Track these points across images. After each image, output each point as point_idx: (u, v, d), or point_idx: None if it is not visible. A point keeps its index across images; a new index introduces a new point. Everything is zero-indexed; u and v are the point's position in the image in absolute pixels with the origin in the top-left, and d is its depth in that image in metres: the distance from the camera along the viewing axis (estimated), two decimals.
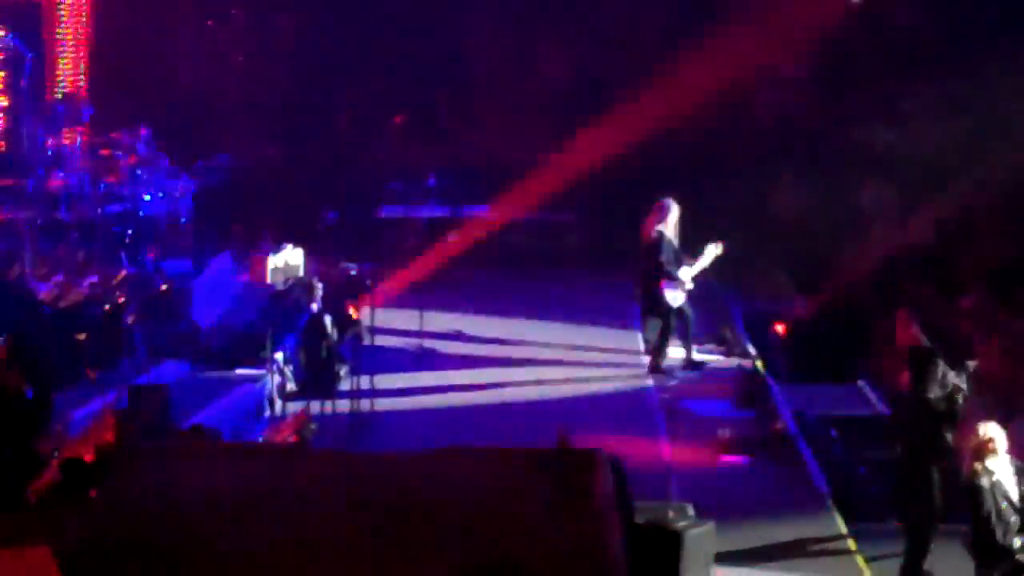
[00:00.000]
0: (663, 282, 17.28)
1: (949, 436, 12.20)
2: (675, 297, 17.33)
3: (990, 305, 17.87)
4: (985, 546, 11.43)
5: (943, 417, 12.22)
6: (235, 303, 18.68)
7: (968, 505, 11.55)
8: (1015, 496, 11.46)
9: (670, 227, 17.40)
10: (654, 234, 17.37)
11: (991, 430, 11.58)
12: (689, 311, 17.49)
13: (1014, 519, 11.40)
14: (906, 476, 12.46)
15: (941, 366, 12.32)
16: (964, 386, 12.28)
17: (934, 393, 12.21)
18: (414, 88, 24.79)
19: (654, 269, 17.35)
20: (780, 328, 18.14)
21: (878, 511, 13.59)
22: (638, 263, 17.83)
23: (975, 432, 11.62)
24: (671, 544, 11.14)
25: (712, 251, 17.47)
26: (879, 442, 14.22)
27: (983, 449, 11.48)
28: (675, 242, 17.43)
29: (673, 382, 17.12)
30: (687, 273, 17.39)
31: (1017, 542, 11.37)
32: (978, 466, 11.43)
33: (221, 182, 22.40)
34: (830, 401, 16.38)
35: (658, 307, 17.48)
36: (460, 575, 8.56)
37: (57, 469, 10.95)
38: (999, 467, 11.48)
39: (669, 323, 17.42)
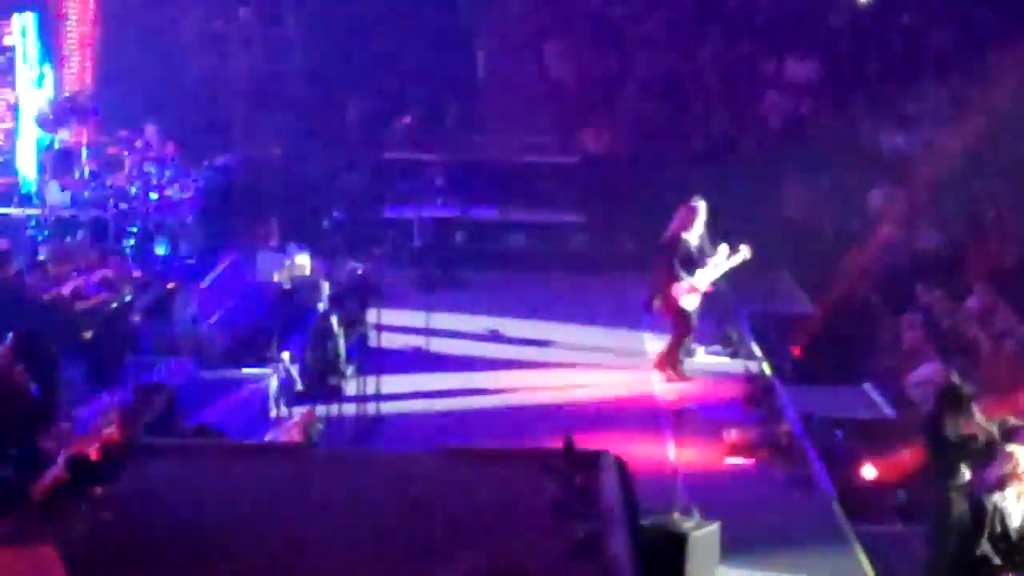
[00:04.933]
0: (675, 285, 16.94)
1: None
2: (688, 300, 17.05)
3: (997, 307, 17.84)
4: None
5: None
6: (241, 302, 18.65)
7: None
8: (1014, 524, 11.35)
9: (693, 229, 16.97)
10: (681, 234, 16.94)
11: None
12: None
13: (1001, 545, 11.31)
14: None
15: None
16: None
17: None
18: (422, 87, 24.78)
19: (666, 271, 17.02)
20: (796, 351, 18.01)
21: (883, 513, 13.61)
22: (656, 262, 17.44)
23: (1009, 458, 11.46)
24: (676, 546, 11.15)
25: (739, 255, 16.90)
26: (884, 444, 14.22)
27: (1009, 477, 11.38)
28: (694, 244, 16.93)
29: (680, 385, 17.08)
30: (703, 277, 16.94)
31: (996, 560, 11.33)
32: (996, 490, 11.34)
33: (228, 181, 22.37)
34: (836, 403, 16.35)
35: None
36: None
37: (63, 467, 10.94)
38: (1011, 493, 11.39)
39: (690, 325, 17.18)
